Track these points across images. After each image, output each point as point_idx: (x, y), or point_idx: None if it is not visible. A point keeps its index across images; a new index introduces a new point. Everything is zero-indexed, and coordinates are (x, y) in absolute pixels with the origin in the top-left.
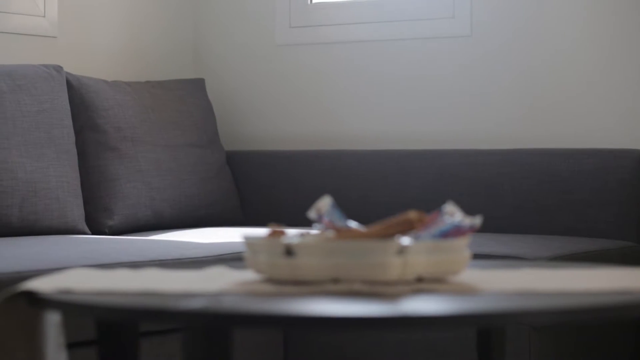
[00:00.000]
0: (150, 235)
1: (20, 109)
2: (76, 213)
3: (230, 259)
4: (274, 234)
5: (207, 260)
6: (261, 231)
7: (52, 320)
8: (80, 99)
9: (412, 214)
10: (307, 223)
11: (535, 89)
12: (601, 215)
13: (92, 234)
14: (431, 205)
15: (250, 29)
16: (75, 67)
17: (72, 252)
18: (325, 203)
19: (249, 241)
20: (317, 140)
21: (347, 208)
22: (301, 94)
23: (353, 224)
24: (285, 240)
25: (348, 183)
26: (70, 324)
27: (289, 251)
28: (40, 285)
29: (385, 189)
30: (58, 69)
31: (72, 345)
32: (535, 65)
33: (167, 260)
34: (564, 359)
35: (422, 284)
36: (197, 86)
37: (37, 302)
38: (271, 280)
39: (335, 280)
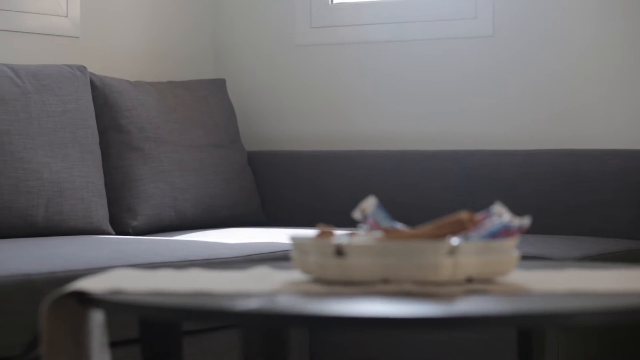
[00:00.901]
0: (174, 235)
1: (45, 109)
2: (100, 213)
3: (259, 259)
4: (322, 235)
5: (236, 260)
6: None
7: (97, 320)
8: (103, 99)
9: (464, 215)
10: (328, 223)
11: (558, 90)
12: (625, 216)
13: (116, 234)
14: (453, 206)
15: (270, 30)
16: (97, 67)
17: (102, 252)
18: (370, 203)
19: (298, 242)
20: (338, 140)
21: None
22: (322, 94)
23: (399, 225)
24: (335, 240)
25: (369, 184)
26: (111, 323)
27: (339, 251)
28: (91, 285)
29: (407, 189)
30: (82, 69)
31: (114, 344)
32: (558, 66)
33: (197, 260)
34: (590, 359)
35: (472, 285)
36: (218, 86)
37: (86, 302)
38: (320, 281)
39: (385, 281)
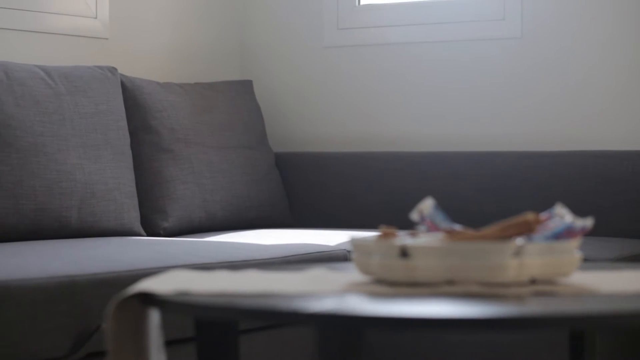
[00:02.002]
0: (205, 236)
1: (77, 110)
2: (132, 215)
3: (295, 261)
4: (384, 236)
5: (273, 261)
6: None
7: (155, 320)
8: (133, 101)
9: (530, 216)
10: (355, 224)
11: (588, 91)
12: None
13: (147, 235)
14: (483, 207)
15: (297, 31)
16: (126, 68)
17: (142, 254)
18: (427, 205)
19: (360, 243)
20: (365, 142)
21: (397, 210)
22: (349, 95)
23: (457, 226)
24: (400, 241)
25: (397, 185)
26: (166, 323)
27: (404, 253)
28: (156, 287)
29: (436, 191)
30: (112, 70)
31: (168, 343)
32: (587, 67)
33: (236, 262)
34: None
35: (538, 286)
36: (245, 88)
37: (148, 303)
38: (383, 282)
39: (450, 282)
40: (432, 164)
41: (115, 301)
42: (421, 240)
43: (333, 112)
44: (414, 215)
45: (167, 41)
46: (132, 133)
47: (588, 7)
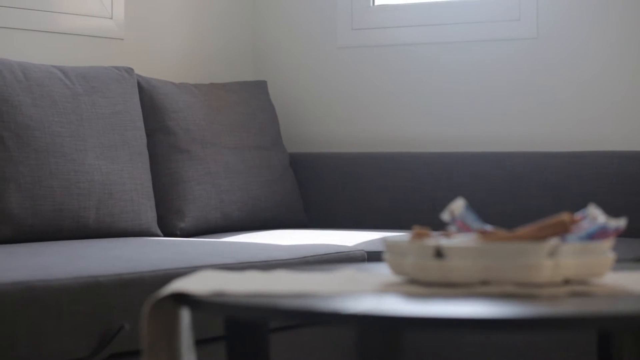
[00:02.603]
0: (222, 237)
1: (95, 110)
2: (149, 215)
3: (314, 261)
4: (417, 236)
5: (293, 262)
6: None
7: (186, 320)
8: (150, 101)
9: (566, 217)
10: (368, 225)
11: (603, 91)
12: None
13: (164, 236)
14: (497, 208)
15: (311, 32)
16: (141, 68)
17: (163, 254)
18: (458, 205)
19: (393, 244)
20: (379, 142)
21: (411, 211)
22: (363, 96)
23: (488, 227)
24: (435, 242)
25: (412, 185)
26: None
27: (439, 253)
28: (191, 287)
29: (451, 191)
30: (129, 71)
31: (197, 342)
32: (602, 67)
33: (256, 262)
34: None
35: (573, 287)
36: (259, 88)
37: (185, 303)
38: (418, 282)
39: (485, 283)
40: (446, 164)
41: (151, 301)
42: (456, 240)
43: (347, 113)
44: (445, 216)
45: (181, 42)
46: (149, 134)
47: (604, 7)
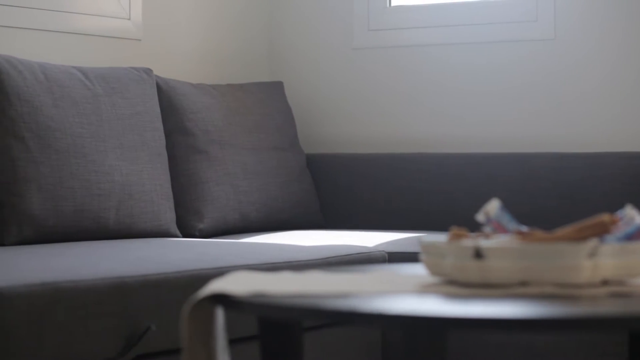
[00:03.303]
0: (241, 238)
1: (115, 111)
2: (168, 216)
3: (336, 262)
4: (455, 237)
5: (315, 263)
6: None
7: (221, 320)
8: (168, 102)
9: (606, 217)
10: (385, 226)
11: (621, 92)
12: None
13: (182, 237)
14: (516, 209)
15: (327, 32)
16: (158, 69)
17: (187, 255)
18: (493, 206)
19: (431, 244)
20: (395, 143)
21: (428, 212)
22: (379, 96)
23: (523, 228)
24: (474, 243)
25: (428, 186)
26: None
27: (478, 254)
28: (231, 288)
29: (469, 192)
30: (148, 72)
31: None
32: (620, 68)
33: (279, 263)
34: None
35: (612, 287)
36: (276, 89)
37: (224, 304)
38: (456, 283)
39: (524, 283)
40: (462, 165)
41: (191, 302)
42: (494, 241)
43: (363, 114)
44: (480, 217)
45: (198, 43)
46: (167, 134)
47: (621, 8)
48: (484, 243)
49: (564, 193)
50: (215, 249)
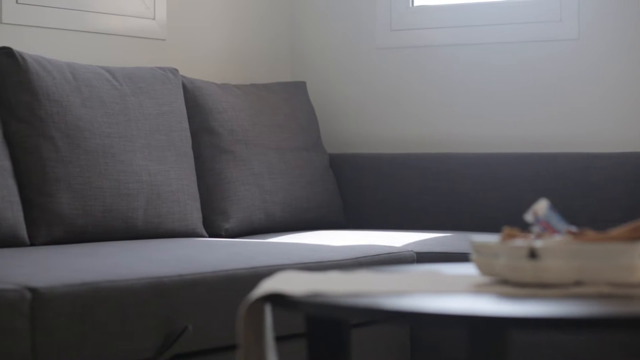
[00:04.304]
0: (268, 237)
1: (142, 111)
2: (195, 216)
3: (367, 262)
4: (507, 237)
5: (346, 263)
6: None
7: (269, 319)
8: (194, 102)
9: None
10: (407, 226)
11: None
12: None
13: (208, 236)
14: None
15: (350, 32)
16: (182, 69)
17: (219, 255)
18: (542, 206)
19: (483, 244)
20: (418, 143)
21: (452, 212)
22: (402, 96)
23: (572, 228)
24: (528, 243)
25: (452, 186)
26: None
27: (532, 254)
28: (285, 288)
29: (492, 192)
30: (174, 71)
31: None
32: None
33: (311, 263)
34: None
35: None
36: (299, 89)
37: (275, 303)
38: (509, 283)
39: (578, 283)
40: (486, 165)
41: (247, 302)
42: (548, 241)
43: (385, 114)
44: (528, 217)
45: (221, 43)
46: (193, 134)
47: None
48: (537, 243)
49: (589, 193)
50: (247, 249)
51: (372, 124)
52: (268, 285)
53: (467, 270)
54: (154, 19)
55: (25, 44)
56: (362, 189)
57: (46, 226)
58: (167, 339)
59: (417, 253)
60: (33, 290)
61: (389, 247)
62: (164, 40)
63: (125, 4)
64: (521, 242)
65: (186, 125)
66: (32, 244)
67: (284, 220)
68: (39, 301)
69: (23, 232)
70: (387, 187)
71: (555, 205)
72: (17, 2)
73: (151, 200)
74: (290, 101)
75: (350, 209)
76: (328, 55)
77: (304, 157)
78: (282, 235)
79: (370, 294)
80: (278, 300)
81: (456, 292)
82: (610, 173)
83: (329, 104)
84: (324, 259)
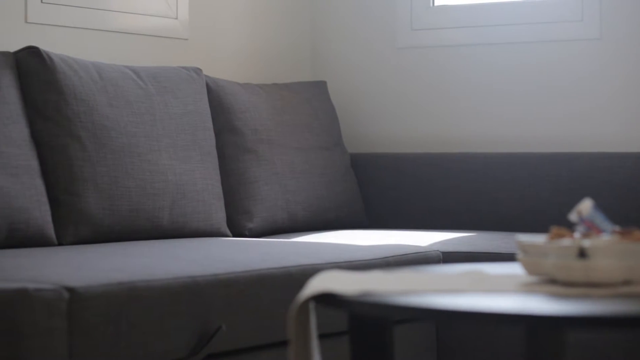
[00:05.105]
0: (292, 237)
1: (167, 111)
2: (219, 215)
3: (395, 262)
4: (555, 236)
5: (375, 262)
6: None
7: (314, 318)
8: (217, 101)
9: None
10: (428, 225)
11: None
12: None
13: (233, 236)
14: (562, 208)
15: (370, 32)
16: (204, 68)
17: (250, 254)
18: (586, 205)
19: (531, 244)
20: (438, 142)
21: (472, 211)
22: (423, 96)
23: (617, 227)
24: (576, 242)
25: (473, 186)
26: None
27: (582, 253)
28: (336, 287)
29: (513, 192)
30: (197, 71)
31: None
32: None
33: (341, 262)
34: None
35: None
36: (320, 89)
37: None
38: (558, 282)
39: (627, 282)
40: (507, 165)
41: (298, 301)
42: (597, 240)
43: (406, 114)
44: (573, 216)
45: (243, 42)
46: (217, 134)
47: None
48: (586, 242)
49: (611, 192)
50: (277, 248)
51: (392, 124)
52: (318, 285)
53: (509, 269)
54: (176, 18)
55: (50, 43)
56: (382, 189)
57: (74, 225)
58: (201, 338)
59: (443, 253)
60: (71, 290)
61: (416, 246)
62: (186, 39)
63: (148, 3)
64: (569, 241)
65: (210, 124)
66: (60, 244)
67: (306, 219)
68: (77, 301)
69: (51, 231)
70: (407, 186)
71: (574, 205)
72: (41, 2)
73: (177, 200)
74: (312, 100)
75: (371, 208)
76: (348, 55)
77: (325, 157)
78: (306, 234)
79: (421, 293)
80: (328, 299)
81: (505, 291)
82: (633, 173)
83: (349, 103)
84: (353, 258)
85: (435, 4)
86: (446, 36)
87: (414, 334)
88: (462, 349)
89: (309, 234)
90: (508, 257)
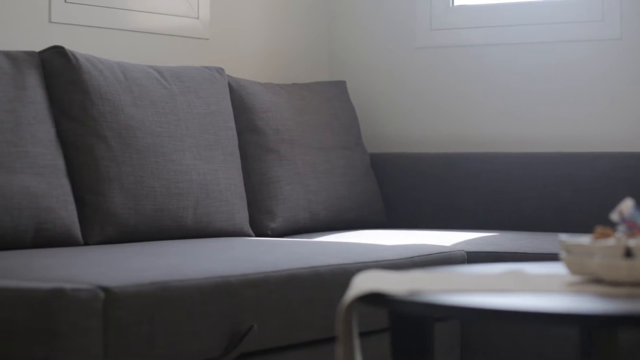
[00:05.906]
0: (315, 237)
1: (190, 110)
2: (242, 215)
3: (421, 262)
4: (600, 236)
5: (401, 262)
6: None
7: (356, 317)
8: (239, 101)
9: None
10: (448, 225)
11: None
12: None
13: (255, 236)
14: (582, 208)
15: (389, 32)
16: (225, 68)
17: (276, 255)
18: (627, 205)
19: (575, 243)
20: (458, 142)
21: (493, 211)
22: (442, 96)
23: None
24: (622, 242)
25: (493, 186)
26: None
27: (628, 253)
28: (386, 287)
29: (534, 192)
30: (220, 71)
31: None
32: None
33: (369, 262)
34: None
35: None
36: (339, 88)
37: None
38: (603, 282)
39: None
40: (528, 165)
41: (346, 301)
42: None
43: (425, 113)
44: (614, 216)
45: (262, 42)
46: (239, 133)
47: None
48: (632, 242)
49: (633, 192)
50: (304, 248)
51: (411, 124)
52: (365, 285)
53: (548, 269)
54: (197, 18)
55: (73, 43)
56: (401, 188)
57: (99, 225)
58: (232, 338)
59: (468, 252)
60: (106, 290)
61: (440, 246)
62: (207, 39)
63: (170, 3)
64: (615, 241)
65: (233, 124)
66: (86, 243)
67: (327, 219)
68: (112, 300)
69: (77, 231)
70: (427, 186)
71: (598, 205)
72: (65, 1)
73: (201, 200)
74: (332, 100)
75: (391, 208)
76: (367, 55)
77: (346, 157)
78: (328, 234)
79: (468, 292)
80: (374, 299)
81: (552, 291)
82: None
83: (368, 103)
84: (380, 258)
85: (455, 4)
86: (465, 36)
87: (440, 332)
88: (484, 347)
89: (331, 234)
90: (534, 257)
